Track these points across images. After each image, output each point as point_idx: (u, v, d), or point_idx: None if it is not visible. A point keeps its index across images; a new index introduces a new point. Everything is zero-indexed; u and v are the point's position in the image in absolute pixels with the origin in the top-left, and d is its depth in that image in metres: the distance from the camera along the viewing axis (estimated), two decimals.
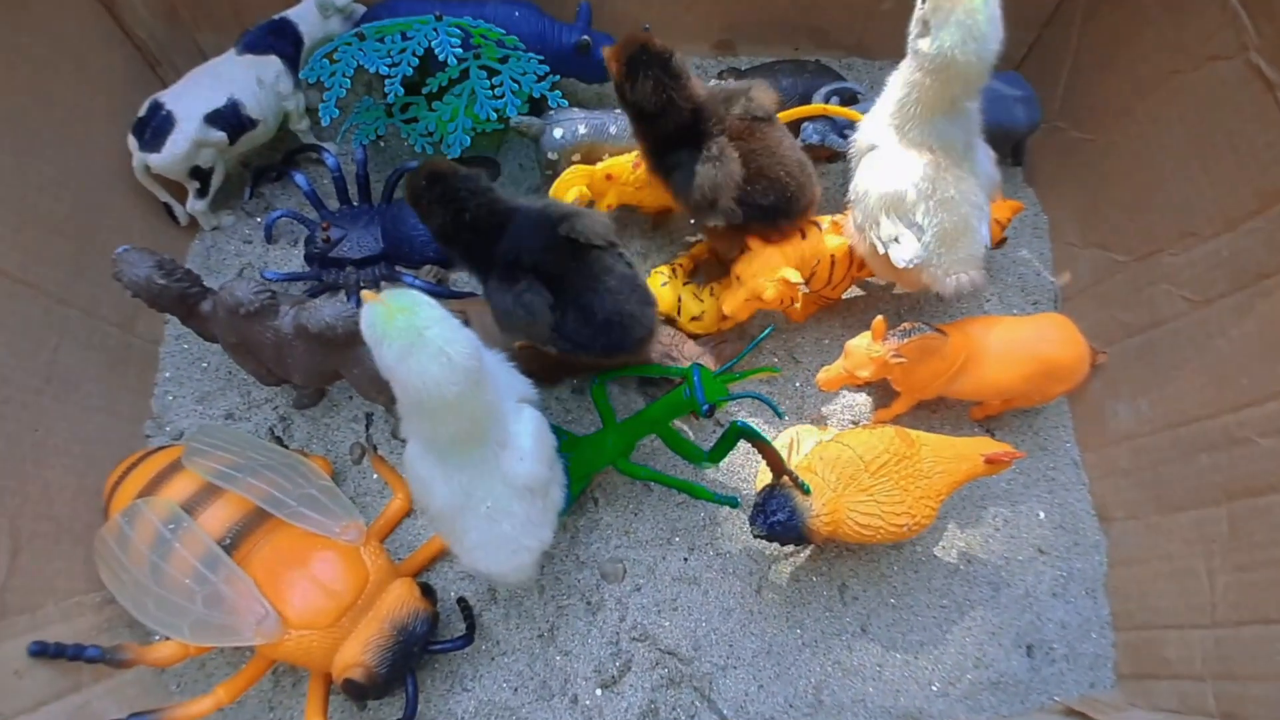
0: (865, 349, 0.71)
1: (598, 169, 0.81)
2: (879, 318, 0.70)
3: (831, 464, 0.70)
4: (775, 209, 0.73)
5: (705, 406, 0.64)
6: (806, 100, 0.89)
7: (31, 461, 0.67)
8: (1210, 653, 0.69)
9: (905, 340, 0.69)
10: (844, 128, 0.85)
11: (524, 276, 0.65)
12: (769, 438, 0.70)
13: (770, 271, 0.73)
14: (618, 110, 0.86)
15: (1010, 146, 0.94)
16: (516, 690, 0.73)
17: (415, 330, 0.51)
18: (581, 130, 0.83)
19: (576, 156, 0.84)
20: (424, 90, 0.83)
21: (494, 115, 0.80)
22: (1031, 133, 0.92)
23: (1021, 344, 0.77)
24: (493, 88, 0.81)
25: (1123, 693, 0.76)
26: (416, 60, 0.78)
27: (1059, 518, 0.83)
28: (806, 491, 0.68)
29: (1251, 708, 0.64)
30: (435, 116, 0.82)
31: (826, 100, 0.86)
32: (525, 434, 0.61)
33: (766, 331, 0.75)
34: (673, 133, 0.70)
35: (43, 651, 0.62)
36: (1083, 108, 0.90)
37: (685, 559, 0.79)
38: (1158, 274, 0.79)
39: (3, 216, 0.68)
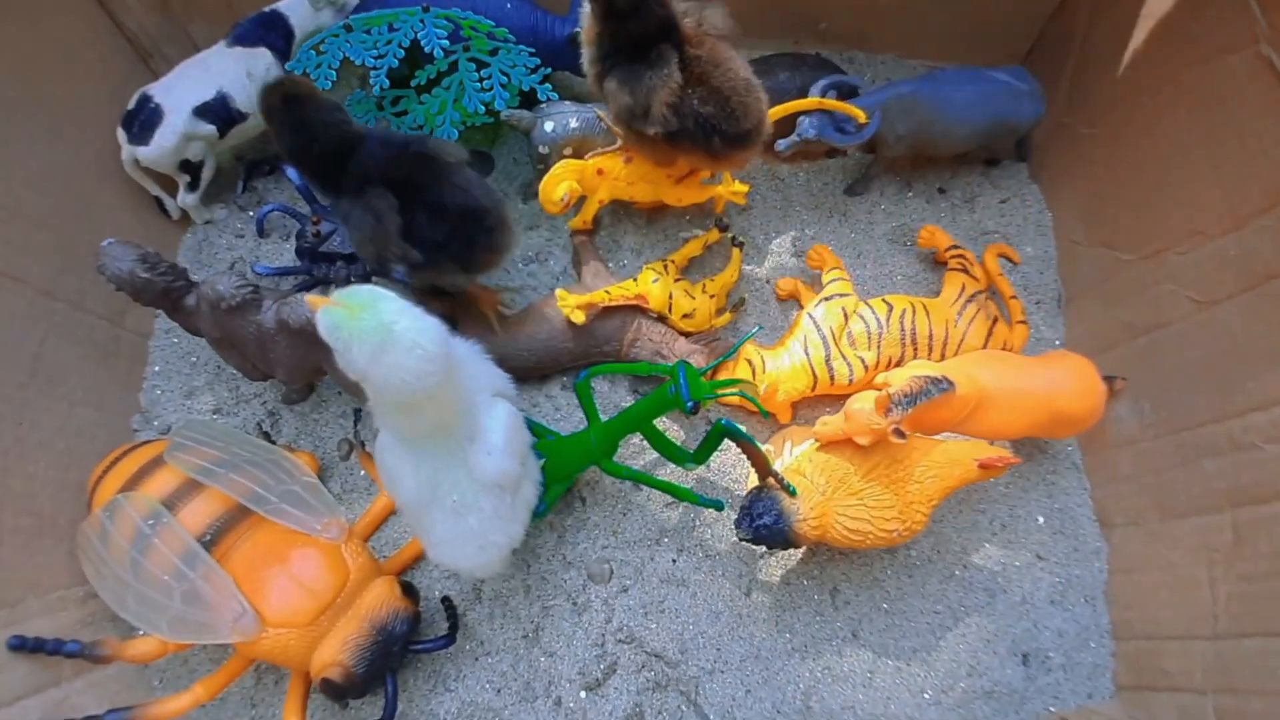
0: (867, 418, 0.65)
1: (589, 163, 0.80)
2: (883, 393, 0.65)
3: (821, 467, 0.68)
4: (712, 122, 0.70)
5: (690, 404, 0.63)
6: (804, 94, 0.87)
7: (14, 455, 0.67)
8: (1211, 665, 0.66)
9: (910, 409, 0.64)
10: (842, 122, 0.83)
11: (371, 188, 0.65)
12: (760, 441, 0.69)
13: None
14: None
15: (1014, 141, 0.92)
16: (500, 691, 0.72)
17: (383, 327, 0.49)
18: (573, 124, 0.82)
19: (568, 150, 0.83)
20: (412, 83, 0.82)
21: (482, 108, 0.79)
22: (1035, 127, 0.89)
23: (1034, 394, 0.73)
24: (481, 80, 0.80)
25: (1121, 704, 0.74)
26: (402, 52, 0.77)
27: (1059, 523, 0.81)
28: (792, 493, 0.66)
29: None
30: (424, 109, 0.81)
31: (824, 94, 0.84)
32: (496, 428, 0.59)
33: (754, 331, 0.74)
34: (634, 38, 0.68)
35: (22, 646, 0.62)
36: (1089, 102, 0.88)
37: (673, 560, 0.77)
38: (1163, 273, 0.77)
39: None
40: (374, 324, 0.49)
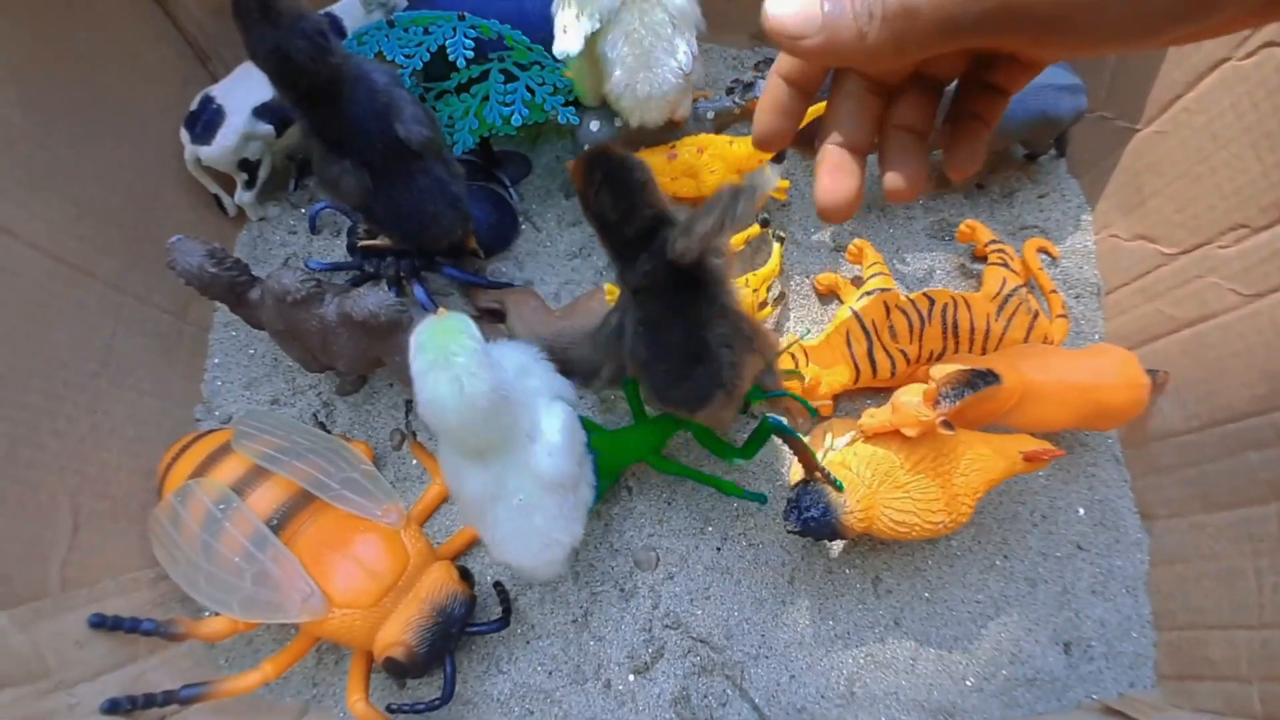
0: (915, 410, 0.66)
1: (689, 140, 0.82)
2: (932, 385, 0.66)
3: (867, 460, 0.69)
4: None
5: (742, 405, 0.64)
6: None
7: (90, 443, 0.70)
8: (1257, 654, 0.67)
9: (957, 402, 0.65)
10: None
11: (351, 158, 0.69)
12: (800, 433, 0.70)
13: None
14: None
15: (1055, 136, 0.93)
16: (551, 674, 0.74)
17: (445, 352, 0.54)
18: (618, 123, 0.84)
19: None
20: (445, 84, 0.83)
21: (500, 121, 0.81)
22: (1076, 122, 0.90)
23: (1077, 386, 0.73)
24: (506, 93, 0.81)
25: (1164, 693, 0.75)
26: (428, 55, 0.79)
27: (1099, 515, 0.82)
28: (839, 488, 0.68)
29: None
30: (448, 110, 0.83)
31: None
32: (555, 429, 0.62)
33: (806, 333, 0.75)
34: (632, 242, 0.65)
35: (101, 623, 0.65)
36: (1130, 96, 0.88)
37: (718, 549, 0.79)
38: (1206, 267, 0.78)
39: (62, 206, 0.71)
40: (441, 345, 0.54)
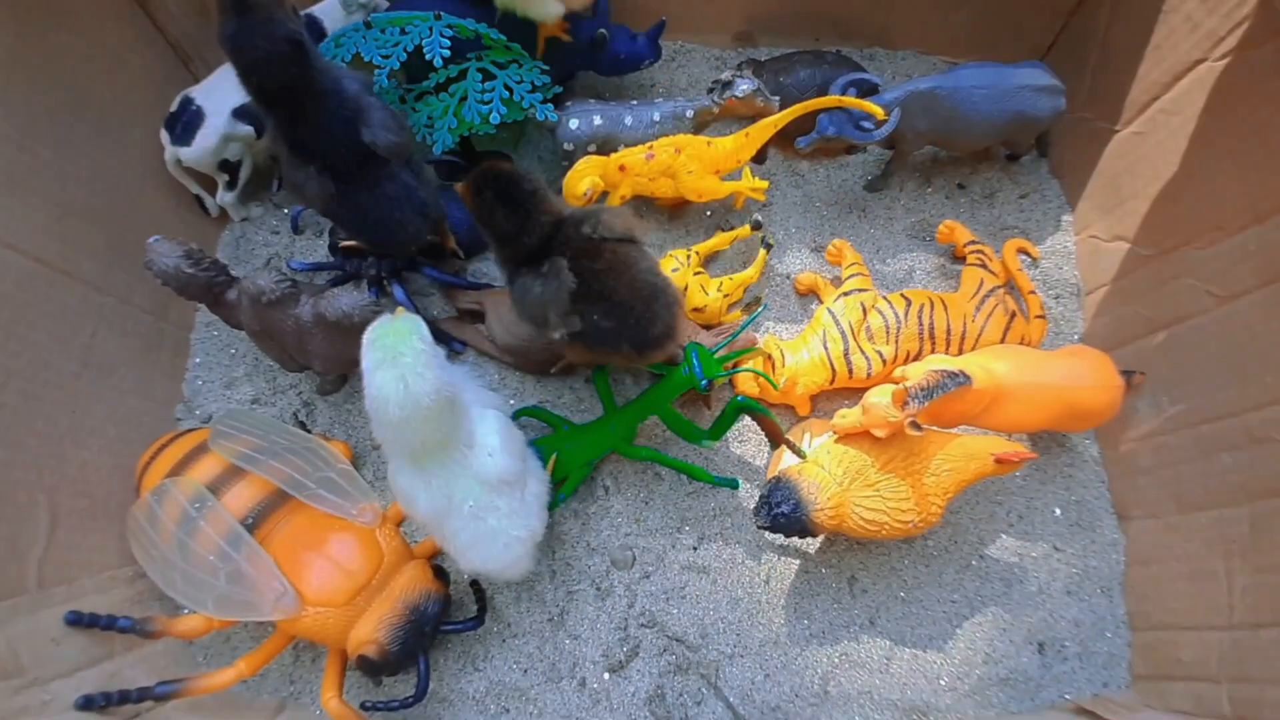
0: (884, 411, 0.66)
1: (611, 159, 0.82)
2: (900, 387, 0.66)
3: (839, 458, 0.70)
4: (617, 334, 0.68)
5: (704, 382, 0.65)
6: (824, 92, 0.88)
7: (69, 441, 0.71)
8: (1227, 655, 0.67)
9: (926, 403, 0.65)
10: (861, 120, 0.85)
11: (316, 163, 0.69)
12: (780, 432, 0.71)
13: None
14: (634, 101, 0.87)
15: (1034, 137, 0.93)
16: (526, 672, 0.75)
17: (393, 352, 0.56)
18: (597, 121, 0.84)
19: (592, 147, 0.85)
20: (422, 84, 0.84)
21: (479, 119, 0.81)
22: (1056, 123, 0.90)
23: (1051, 388, 0.73)
24: (484, 92, 0.81)
25: (1137, 693, 0.75)
26: (405, 55, 0.79)
27: (1075, 515, 0.82)
28: (802, 455, 0.69)
29: (1267, 712, 0.63)
30: (427, 110, 0.83)
31: (844, 91, 0.85)
32: (490, 432, 0.64)
33: (759, 311, 0.76)
34: (534, 250, 0.67)
35: (78, 621, 0.65)
36: (1109, 98, 0.88)
37: (694, 548, 0.79)
38: (1183, 268, 0.78)
39: (44, 208, 0.71)
40: (390, 345, 0.56)
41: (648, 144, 0.84)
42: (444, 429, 0.60)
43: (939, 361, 0.72)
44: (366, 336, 0.58)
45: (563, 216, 0.68)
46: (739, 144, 0.84)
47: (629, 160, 0.83)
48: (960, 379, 0.66)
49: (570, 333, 0.67)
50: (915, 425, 0.65)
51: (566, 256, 0.65)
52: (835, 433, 0.72)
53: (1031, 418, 0.75)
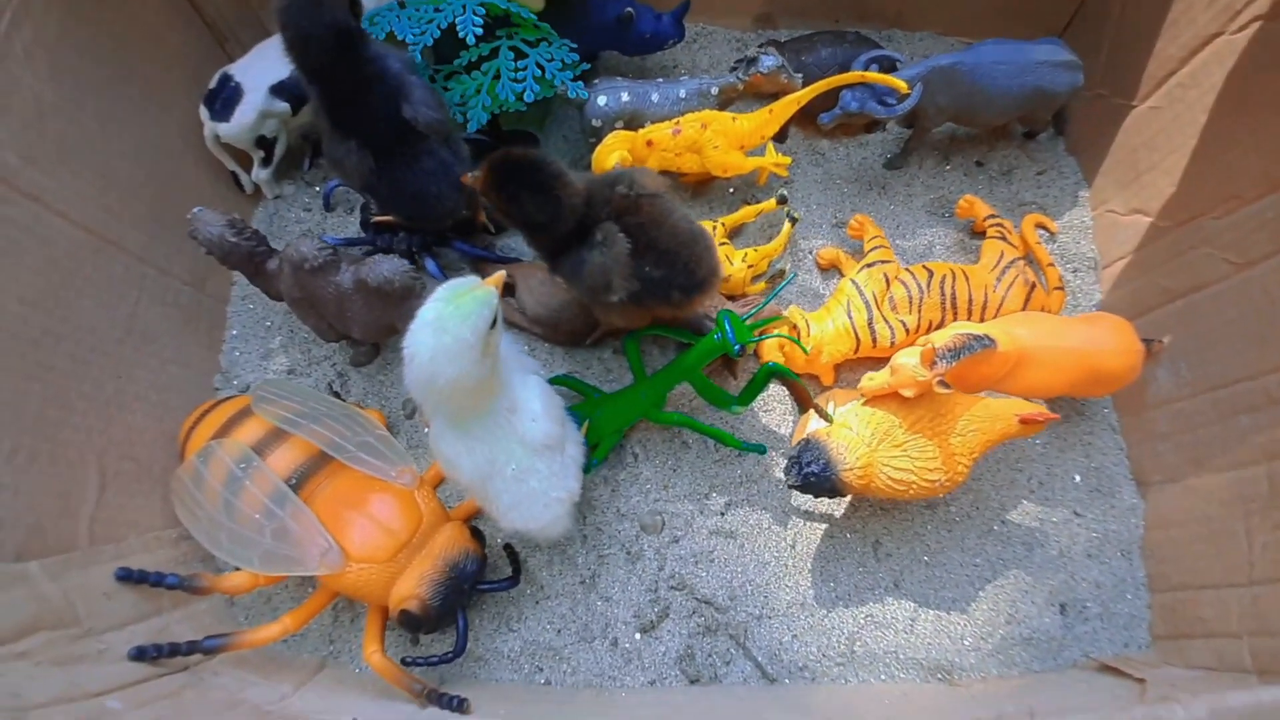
0: (912, 371, 0.68)
1: (639, 134, 0.84)
2: (928, 347, 0.68)
3: (866, 420, 0.71)
4: (668, 282, 0.70)
5: (737, 347, 0.67)
6: (846, 69, 0.90)
7: (115, 405, 0.72)
8: (1247, 610, 0.69)
9: (954, 363, 0.67)
10: (883, 95, 0.86)
11: (356, 139, 0.71)
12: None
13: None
14: (660, 79, 0.88)
15: (1052, 113, 0.94)
16: (560, 632, 0.76)
17: (443, 321, 0.56)
18: (625, 98, 0.86)
19: (620, 124, 0.87)
20: (454, 62, 0.85)
21: (513, 98, 0.83)
22: (1073, 98, 0.91)
23: (1072, 352, 0.75)
24: (516, 70, 0.83)
25: (1158, 652, 0.77)
26: (439, 32, 0.81)
27: (1095, 481, 0.84)
28: (830, 420, 0.71)
29: None
30: (460, 89, 0.85)
31: (866, 68, 0.87)
32: (533, 397, 0.66)
33: (789, 278, 0.78)
34: (571, 232, 0.68)
35: (128, 577, 0.67)
36: (1126, 73, 0.90)
37: (722, 513, 0.81)
38: (1199, 238, 0.79)
39: (90, 179, 0.73)
40: (448, 312, 0.56)
41: (675, 120, 0.86)
42: (470, 400, 0.61)
43: (963, 327, 0.73)
44: (440, 288, 0.57)
45: (588, 189, 0.69)
46: (763, 120, 0.86)
47: (656, 135, 0.84)
48: (986, 341, 0.68)
49: (628, 294, 0.69)
50: (943, 384, 0.67)
51: (610, 219, 0.67)
52: (863, 395, 0.74)
53: (1053, 381, 0.76)
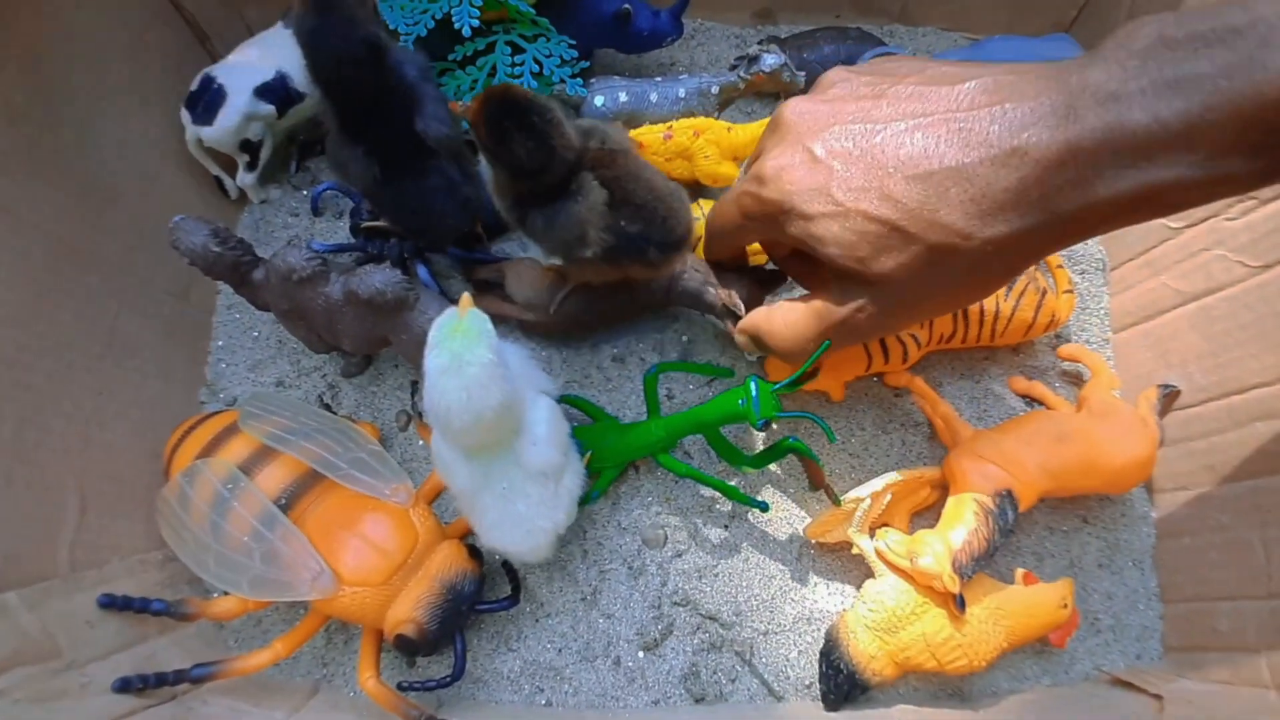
0: (935, 579, 0.66)
1: (685, 121, 0.82)
2: (951, 566, 0.66)
3: (880, 604, 0.69)
4: (645, 238, 0.67)
5: (761, 422, 0.65)
6: (851, 64, 0.87)
7: (96, 424, 0.70)
8: (1265, 623, 0.67)
9: (974, 574, 0.67)
10: None
11: (364, 146, 0.68)
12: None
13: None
14: (658, 78, 0.86)
15: None
16: (561, 651, 0.74)
17: (460, 359, 0.55)
18: (623, 98, 0.83)
19: (618, 124, 0.84)
20: (450, 57, 0.83)
21: None
22: None
23: (1080, 474, 0.73)
24: (514, 66, 0.80)
25: (1171, 665, 0.75)
26: (433, 23, 0.77)
27: None
28: (839, 503, 0.70)
29: None
30: (455, 83, 0.82)
31: None
32: (540, 421, 0.63)
33: (823, 347, 0.75)
34: (555, 183, 0.65)
35: (111, 604, 0.65)
36: None
37: (726, 526, 0.79)
38: (1213, 239, 0.77)
39: (67, 187, 0.70)
40: (458, 349, 0.55)
41: (667, 123, 0.83)
42: (501, 430, 0.60)
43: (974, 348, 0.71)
44: (432, 335, 0.56)
45: (583, 147, 0.65)
46: (760, 132, 0.83)
47: (646, 139, 0.82)
48: (1008, 531, 0.68)
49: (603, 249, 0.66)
50: (961, 603, 0.66)
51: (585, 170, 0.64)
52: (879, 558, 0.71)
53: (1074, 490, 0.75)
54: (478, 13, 0.77)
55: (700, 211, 0.81)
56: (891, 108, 0.52)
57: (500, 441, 0.62)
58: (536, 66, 0.80)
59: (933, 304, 0.57)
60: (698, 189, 0.91)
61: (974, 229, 0.48)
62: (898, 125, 0.51)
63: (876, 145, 0.51)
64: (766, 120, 0.82)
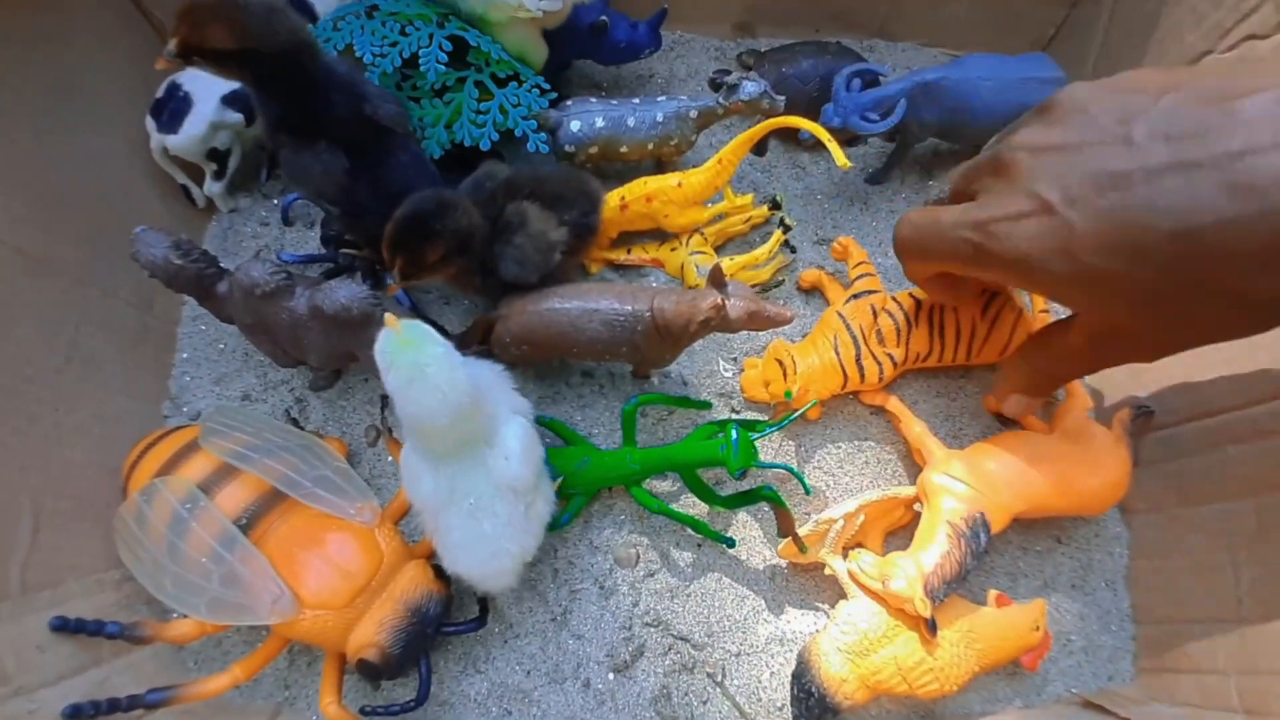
0: (906, 601, 0.65)
1: (635, 189, 0.83)
2: (923, 591, 0.65)
3: (853, 629, 0.68)
4: (582, 214, 0.76)
5: (739, 472, 0.66)
6: (828, 82, 0.87)
7: (53, 440, 0.68)
8: (1235, 647, 0.67)
9: (946, 598, 0.67)
10: (866, 111, 0.83)
11: (323, 139, 0.68)
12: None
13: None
14: (636, 100, 0.84)
15: None
16: (529, 673, 0.73)
17: (418, 366, 0.55)
18: (599, 124, 0.82)
19: (594, 150, 0.83)
20: (422, 86, 0.80)
21: (469, 141, 0.79)
22: None
23: (1050, 496, 0.73)
24: (478, 113, 0.79)
25: (1142, 686, 0.75)
26: (400, 60, 0.76)
27: None
28: (804, 551, 0.71)
29: (1277, 704, 0.63)
30: (421, 114, 0.81)
31: (848, 82, 0.84)
32: (514, 436, 0.63)
33: (810, 405, 0.76)
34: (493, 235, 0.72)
35: (64, 626, 0.63)
36: None
37: (699, 545, 0.78)
38: None
39: (23, 195, 0.68)
40: (412, 361, 0.55)
41: (619, 193, 0.82)
42: (475, 422, 0.60)
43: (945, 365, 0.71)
44: (381, 360, 0.56)
45: (475, 202, 0.70)
46: (713, 173, 0.81)
47: (605, 213, 0.81)
48: (979, 552, 0.68)
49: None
50: (933, 627, 0.65)
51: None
52: (853, 579, 0.71)
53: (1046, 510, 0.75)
54: (445, 56, 0.75)
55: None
56: (1145, 148, 0.46)
57: (471, 442, 0.61)
58: (501, 117, 0.79)
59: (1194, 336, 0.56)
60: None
61: (1247, 286, 0.45)
62: (1151, 165, 0.45)
63: (1129, 198, 0.46)
64: (717, 157, 0.81)
